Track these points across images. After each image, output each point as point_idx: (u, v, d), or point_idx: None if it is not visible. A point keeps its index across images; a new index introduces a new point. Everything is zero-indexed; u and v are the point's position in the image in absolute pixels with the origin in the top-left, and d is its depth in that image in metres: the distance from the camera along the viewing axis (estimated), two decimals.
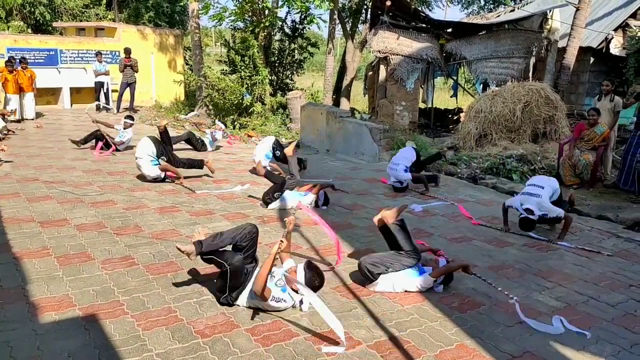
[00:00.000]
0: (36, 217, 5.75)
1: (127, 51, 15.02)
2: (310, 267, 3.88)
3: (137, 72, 15.11)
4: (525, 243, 5.57)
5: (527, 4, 17.85)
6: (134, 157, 7.58)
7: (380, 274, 4.20)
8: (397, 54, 13.59)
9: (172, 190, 7.19)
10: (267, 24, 14.59)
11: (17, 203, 6.24)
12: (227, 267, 3.74)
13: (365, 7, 17.60)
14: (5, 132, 10.86)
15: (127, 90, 15.07)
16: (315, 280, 3.82)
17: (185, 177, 7.66)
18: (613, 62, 13.93)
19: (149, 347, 3.29)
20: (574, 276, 4.72)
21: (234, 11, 14.88)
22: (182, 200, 6.69)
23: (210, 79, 13.86)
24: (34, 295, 3.90)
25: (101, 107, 14.43)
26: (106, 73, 14.97)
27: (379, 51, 13.72)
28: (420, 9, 17.07)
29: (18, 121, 12.59)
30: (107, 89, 15.17)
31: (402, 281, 4.22)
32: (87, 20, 22.70)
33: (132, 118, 9.98)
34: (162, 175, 7.56)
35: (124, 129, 9.74)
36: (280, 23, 16.19)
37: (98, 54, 15.12)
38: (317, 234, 5.62)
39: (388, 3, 13.69)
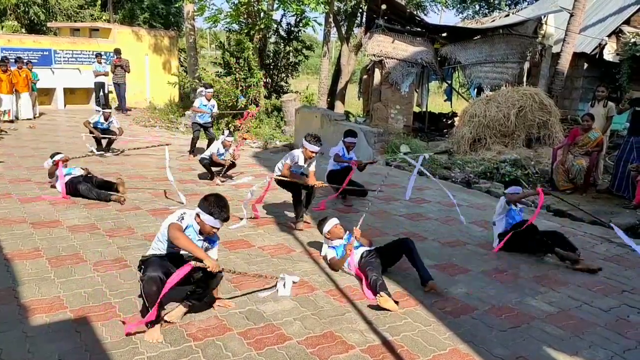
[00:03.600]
0: (28, 218, 5.72)
1: (117, 52, 15.03)
2: None
3: (128, 72, 15.09)
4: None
5: (521, 9, 17.95)
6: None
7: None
8: (392, 58, 13.64)
9: (165, 192, 7.17)
10: (262, 26, 14.58)
11: (8, 204, 6.21)
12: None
13: (360, 10, 17.62)
14: None
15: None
16: None
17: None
18: (606, 68, 14.01)
19: (141, 350, 3.26)
20: (567, 281, 4.73)
21: (229, 13, 14.85)
22: (175, 202, 6.66)
23: (205, 80, 13.83)
24: (24, 297, 3.87)
25: (101, 105, 14.41)
26: (105, 74, 14.94)
27: (374, 55, 13.76)
28: (415, 13, 17.11)
29: (11, 121, 12.52)
30: (107, 90, 15.16)
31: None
32: (82, 21, 22.67)
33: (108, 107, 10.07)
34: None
35: (105, 120, 9.40)
36: (275, 25, 16.18)
37: (98, 55, 15.10)
38: (312, 237, 5.62)
39: (383, 7, 13.73)
